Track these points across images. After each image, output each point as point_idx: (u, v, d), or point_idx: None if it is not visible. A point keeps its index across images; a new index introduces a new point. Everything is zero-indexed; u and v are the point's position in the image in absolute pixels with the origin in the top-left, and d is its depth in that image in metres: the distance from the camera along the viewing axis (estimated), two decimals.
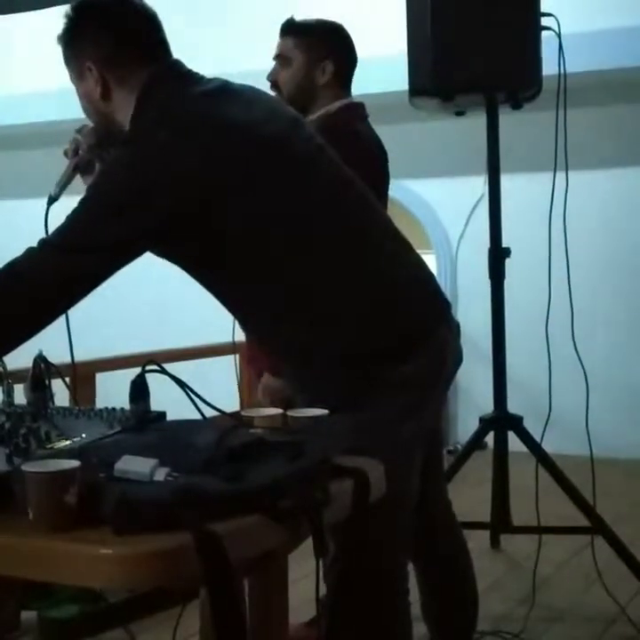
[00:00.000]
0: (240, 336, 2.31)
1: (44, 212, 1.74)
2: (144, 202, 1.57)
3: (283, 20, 2.41)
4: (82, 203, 1.60)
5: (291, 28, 2.37)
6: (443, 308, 1.78)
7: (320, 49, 2.34)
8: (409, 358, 1.67)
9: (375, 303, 1.67)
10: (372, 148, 2.35)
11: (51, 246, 1.58)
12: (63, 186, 1.82)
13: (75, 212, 1.59)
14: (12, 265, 1.57)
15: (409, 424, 1.71)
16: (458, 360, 1.82)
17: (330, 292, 1.66)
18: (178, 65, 1.71)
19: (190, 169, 1.56)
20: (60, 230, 1.58)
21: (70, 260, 1.56)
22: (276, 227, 1.63)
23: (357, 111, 2.39)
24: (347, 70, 2.40)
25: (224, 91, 1.67)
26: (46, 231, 1.69)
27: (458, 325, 1.81)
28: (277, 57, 2.38)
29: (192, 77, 1.69)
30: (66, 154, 1.84)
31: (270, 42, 2.44)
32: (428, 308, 1.75)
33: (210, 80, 1.69)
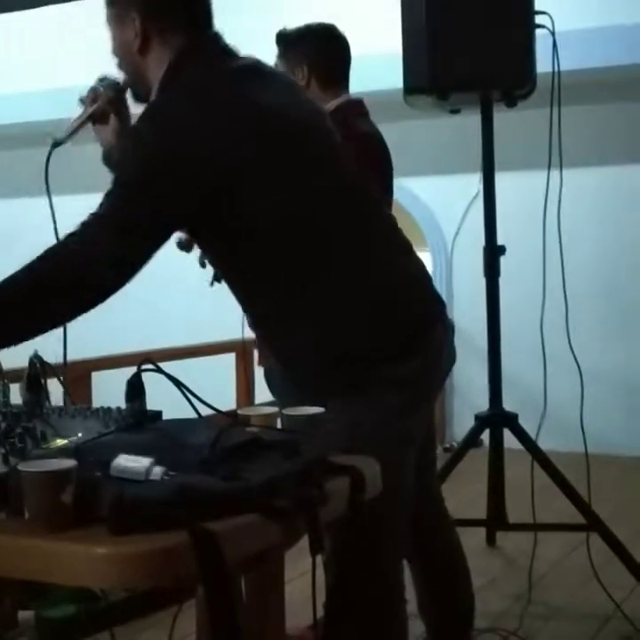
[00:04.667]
0: (236, 335, 2.31)
1: (47, 155, 1.72)
2: (171, 181, 1.55)
3: (279, 22, 2.42)
4: (114, 183, 1.59)
5: (276, 38, 2.42)
6: (439, 309, 1.79)
7: (294, 55, 2.37)
8: (406, 358, 1.69)
9: (376, 303, 1.68)
10: (371, 147, 2.31)
11: (98, 229, 1.56)
12: (72, 133, 1.80)
13: (110, 193, 1.57)
14: (65, 245, 1.56)
15: (404, 423, 1.72)
16: (452, 360, 1.84)
17: (334, 290, 1.66)
18: (217, 37, 1.70)
19: (215, 149, 1.55)
20: (104, 212, 1.56)
21: (120, 240, 1.55)
22: (290, 217, 1.63)
23: (352, 109, 2.37)
24: (327, 70, 2.39)
25: (256, 71, 1.67)
26: (47, 180, 1.70)
27: (452, 325, 1.82)
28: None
29: (227, 52, 1.68)
30: (82, 101, 1.82)
31: (265, 44, 2.44)
32: (425, 309, 1.76)
33: (243, 57, 1.69)
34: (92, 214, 1.58)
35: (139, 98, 1.77)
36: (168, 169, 1.55)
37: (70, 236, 1.57)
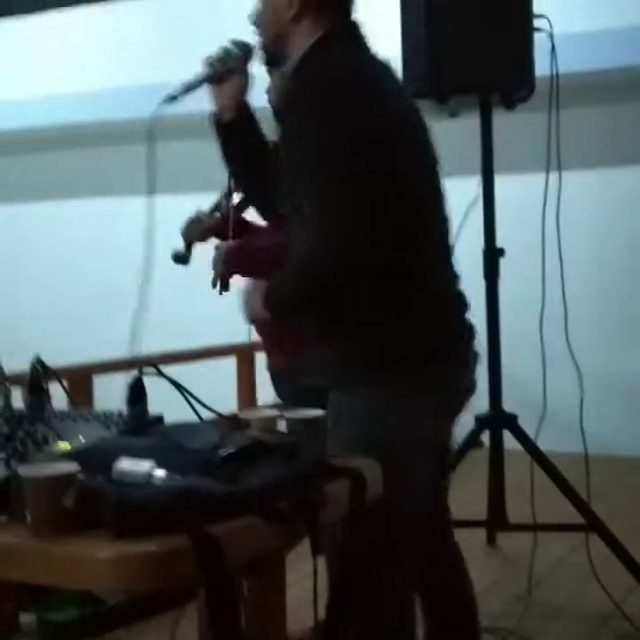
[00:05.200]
0: (236, 338, 2.31)
1: (156, 107, 1.75)
2: (362, 161, 1.62)
3: None
4: (320, 181, 1.64)
5: None
6: (471, 335, 1.87)
7: None
8: (437, 364, 1.74)
9: (433, 306, 1.76)
10: None
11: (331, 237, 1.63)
12: (189, 89, 1.83)
13: (324, 194, 1.63)
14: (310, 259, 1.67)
15: (422, 426, 1.76)
16: (472, 387, 1.89)
17: (410, 286, 1.72)
18: (359, 25, 1.79)
19: (373, 128, 1.65)
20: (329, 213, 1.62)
21: (358, 235, 1.63)
22: (406, 209, 1.71)
23: None
24: None
25: (388, 67, 1.79)
26: (151, 136, 1.76)
27: (477, 354, 1.88)
28: None
29: (366, 42, 1.79)
30: (210, 63, 1.86)
31: None
32: (461, 329, 1.84)
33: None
34: (316, 222, 1.63)
35: (271, 63, 1.84)
36: (357, 152, 1.62)
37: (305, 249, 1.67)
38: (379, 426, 1.70)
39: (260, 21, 1.79)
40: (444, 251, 1.85)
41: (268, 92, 2.33)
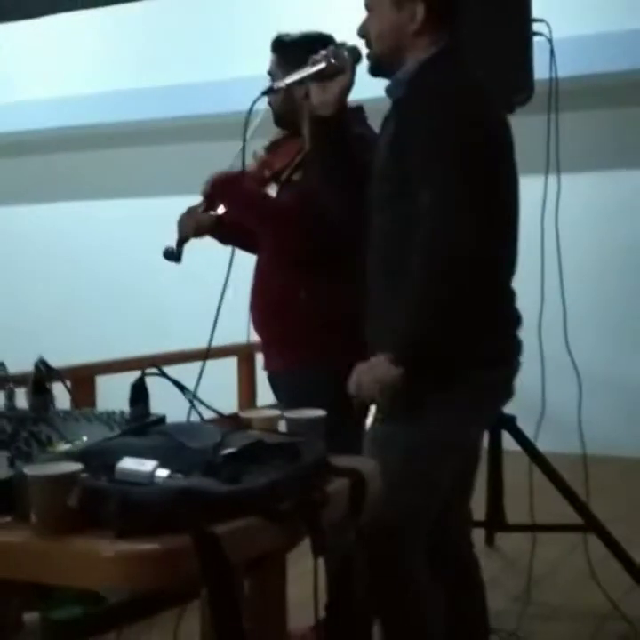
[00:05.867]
0: (237, 339, 2.33)
1: (254, 101, 1.86)
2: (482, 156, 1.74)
3: (281, 24, 2.41)
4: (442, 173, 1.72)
5: (274, 44, 2.36)
6: (520, 348, 1.95)
7: (293, 62, 2.24)
8: (495, 367, 1.84)
9: (506, 313, 1.89)
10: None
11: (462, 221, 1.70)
12: (292, 83, 1.94)
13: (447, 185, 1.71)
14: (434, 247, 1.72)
15: (470, 423, 1.86)
16: (510, 394, 1.97)
17: (496, 288, 1.82)
18: (463, 43, 1.91)
19: (485, 134, 1.78)
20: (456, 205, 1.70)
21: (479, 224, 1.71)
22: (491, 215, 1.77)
23: (352, 117, 2.37)
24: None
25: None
26: (245, 131, 1.91)
27: (519, 364, 1.95)
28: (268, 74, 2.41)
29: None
30: (317, 60, 1.95)
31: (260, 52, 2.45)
32: (515, 341, 1.92)
33: None
34: (434, 217, 1.70)
35: (376, 71, 1.93)
36: (475, 148, 1.74)
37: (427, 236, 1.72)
38: (428, 421, 1.78)
39: (373, 33, 1.88)
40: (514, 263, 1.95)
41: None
